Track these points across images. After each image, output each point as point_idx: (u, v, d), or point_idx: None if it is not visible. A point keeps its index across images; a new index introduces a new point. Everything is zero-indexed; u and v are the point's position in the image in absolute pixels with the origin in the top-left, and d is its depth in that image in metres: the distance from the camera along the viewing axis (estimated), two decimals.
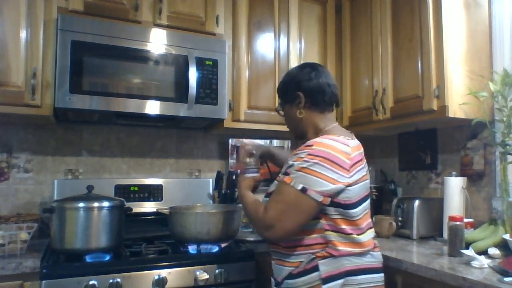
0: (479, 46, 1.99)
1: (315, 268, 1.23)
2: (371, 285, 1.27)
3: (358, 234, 1.27)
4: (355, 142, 1.32)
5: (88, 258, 1.65)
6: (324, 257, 1.24)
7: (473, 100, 1.88)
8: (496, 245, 1.64)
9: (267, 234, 1.24)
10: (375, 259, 1.32)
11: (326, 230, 1.25)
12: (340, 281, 1.22)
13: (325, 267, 1.23)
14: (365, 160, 1.33)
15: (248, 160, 1.50)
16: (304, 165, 1.20)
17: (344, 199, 1.23)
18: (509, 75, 1.82)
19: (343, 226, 1.25)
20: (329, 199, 1.21)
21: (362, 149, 1.33)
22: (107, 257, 1.68)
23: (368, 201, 1.34)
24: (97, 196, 1.74)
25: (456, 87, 1.88)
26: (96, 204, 1.67)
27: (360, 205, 1.28)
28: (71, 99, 1.82)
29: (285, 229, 1.22)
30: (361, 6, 2.41)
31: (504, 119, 1.81)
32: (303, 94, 1.38)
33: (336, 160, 1.21)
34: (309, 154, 1.21)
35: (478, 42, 1.98)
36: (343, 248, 1.25)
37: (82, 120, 2.24)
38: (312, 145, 1.23)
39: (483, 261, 1.45)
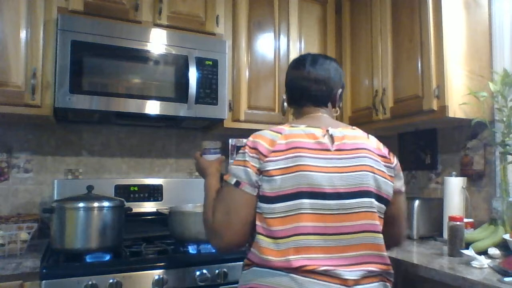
0: (479, 46, 1.99)
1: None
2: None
3: (273, 238, 1.04)
4: (297, 130, 1.14)
5: (88, 258, 1.65)
6: (249, 265, 1.13)
7: (473, 100, 1.88)
8: (496, 245, 1.63)
9: (208, 236, 1.20)
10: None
11: (258, 233, 1.07)
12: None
13: (243, 279, 1.15)
14: (307, 151, 1.10)
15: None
16: (237, 158, 1.14)
17: (268, 191, 1.06)
18: (509, 75, 1.82)
19: (272, 228, 1.05)
20: (256, 190, 1.08)
21: (308, 139, 1.12)
22: (107, 257, 1.68)
23: (314, 201, 1.06)
24: (97, 196, 1.74)
25: (456, 87, 1.88)
26: (96, 204, 1.67)
27: (285, 201, 1.05)
28: (71, 99, 1.82)
29: (230, 235, 1.13)
30: (361, 6, 2.41)
31: (504, 119, 1.81)
32: (286, 91, 1.37)
33: (258, 146, 1.10)
34: (243, 146, 1.15)
35: (478, 42, 1.98)
36: (264, 256, 1.05)
37: (82, 120, 2.24)
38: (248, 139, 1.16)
39: (483, 261, 1.45)
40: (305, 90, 1.28)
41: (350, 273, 1.04)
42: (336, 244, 1.06)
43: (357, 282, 1.04)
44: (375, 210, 1.12)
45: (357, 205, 1.09)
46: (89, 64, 1.87)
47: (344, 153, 1.13)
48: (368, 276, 1.08)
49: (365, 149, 1.17)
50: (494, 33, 2.02)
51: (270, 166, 1.07)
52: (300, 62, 1.31)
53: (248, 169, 1.09)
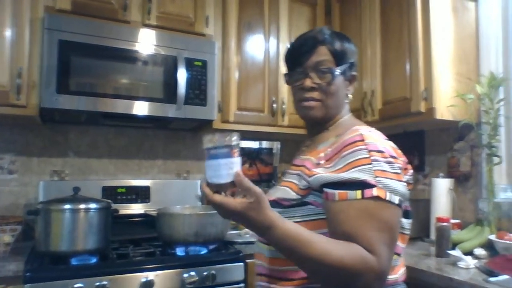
0: (467, 49, 2.01)
1: None
2: None
3: (399, 255, 0.95)
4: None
5: (74, 261, 1.63)
6: None
7: (460, 102, 1.90)
8: (482, 246, 1.65)
9: (377, 286, 0.81)
10: None
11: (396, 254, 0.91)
12: None
13: None
14: None
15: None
16: (379, 167, 0.84)
17: (407, 203, 0.94)
18: (496, 78, 1.84)
19: (398, 243, 0.92)
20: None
21: None
22: (94, 260, 1.66)
23: None
24: (83, 197, 1.72)
25: (443, 89, 1.90)
26: (82, 206, 1.65)
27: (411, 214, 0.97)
28: (58, 99, 1.79)
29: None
30: (351, 9, 2.42)
31: (491, 121, 1.83)
32: (356, 76, 1.08)
33: (393, 155, 0.90)
34: (372, 151, 0.86)
35: (465, 45, 2.01)
36: (393, 276, 0.92)
37: (68, 121, 2.21)
38: (362, 140, 0.88)
39: (470, 261, 1.47)
40: None
41: None
42: None
43: None
44: None
45: None
46: (77, 64, 1.85)
47: None
48: None
49: None
50: (481, 37, 2.04)
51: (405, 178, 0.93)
52: None
53: (401, 183, 0.88)
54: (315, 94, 1.01)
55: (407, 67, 1.98)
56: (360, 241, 0.79)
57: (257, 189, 0.77)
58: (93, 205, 1.67)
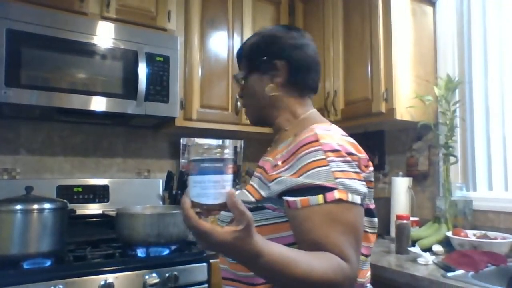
0: (425, 52, 2.08)
1: None
2: None
3: (366, 256, 0.93)
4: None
5: (26, 265, 1.53)
6: None
7: (419, 103, 1.96)
8: (439, 242, 1.71)
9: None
10: None
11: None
12: None
13: None
14: None
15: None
16: (338, 168, 0.82)
17: (370, 202, 0.93)
18: (452, 81, 1.91)
19: (364, 244, 0.89)
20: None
21: None
22: (48, 263, 1.57)
23: None
24: (36, 197, 1.62)
25: (403, 90, 1.95)
26: (35, 206, 1.55)
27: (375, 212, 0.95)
28: (7, 92, 1.68)
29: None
30: (314, 9, 2.44)
31: (447, 122, 1.91)
32: (285, 65, 0.99)
33: (350, 152, 0.87)
34: (327, 151, 0.83)
35: (424, 48, 2.07)
36: (360, 279, 0.91)
37: (20, 116, 2.09)
38: (316, 140, 0.84)
39: (428, 257, 1.51)
40: (319, 72, 1.06)
41: None
42: None
43: None
44: None
45: None
46: (28, 56, 1.74)
47: None
48: None
49: None
50: (438, 40, 2.12)
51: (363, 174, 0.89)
52: (305, 35, 1.05)
53: (360, 181, 0.85)
54: (241, 102, 1.09)
55: (369, 68, 2.02)
56: (331, 249, 0.77)
57: (249, 213, 0.68)
58: (47, 205, 1.58)
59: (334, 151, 0.83)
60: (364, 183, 0.86)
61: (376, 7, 1.99)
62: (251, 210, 0.79)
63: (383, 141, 2.41)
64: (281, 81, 1.00)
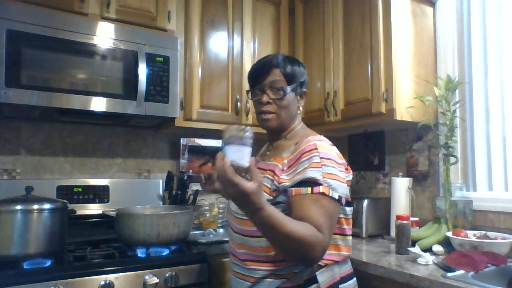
0: (425, 53, 2.08)
1: (313, 280, 1.14)
2: None
3: (351, 235, 1.24)
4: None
5: (26, 265, 1.53)
6: (320, 266, 1.15)
7: (419, 104, 1.96)
8: (439, 242, 1.71)
9: (322, 256, 1.07)
10: (350, 263, 1.30)
11: (335, 233, 1.17)
12: None
13: (322, 278, 1.14)
14: None
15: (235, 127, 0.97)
16: (327, 171, 1.10)
17: (347, 196, 1.19)
18: (452, 81, 1.91)
19: (344, 226, 1.21)
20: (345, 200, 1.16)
21: None
22: (48, 263, 1.57)
23: None
24: (37, 197, 1.62)
25: (403, 91, 1.95)
26: (35, 207, 1.56)
27: (352, 203, 1.26)
28: (7, 93, 1.68)
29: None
30: (314, 10, 2.44)
31: (447, 122, 1.90)
32: (305, 92, 1.34)
33: (339, 161, 1.16)
34: (323, 158, 1.11)
35: (424, 49, 2.07)
36: (345, 252, 1.21)
37: (20, 116, 2.08)
38: (315, 149, 1.13)
39: (428, 258, 1.51)
40: None
41: None
42: None
43: None
44: None
45: None
46: (28, 56, 1.74)
47: None
48: None
49: None
50: (438, 41, 2.12)
51: (347, 178, 1.21)
52: None
53: (343, 183, 1.15)
54: (270, 108, 1.26)
55: (369, 68, 2.02)
56: (311, 222, 1.02)
57: (260, 176, 0.96)
58: (47, 206, 1.58)
59: (328, 158, 1.13)
60: (345, 184, 1.15)
61: (376, 7, 1.99)
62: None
63: (383, 141, 2.41)
64: (302, 104, 1.33)
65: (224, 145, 0.95)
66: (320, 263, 1.13)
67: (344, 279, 1.19)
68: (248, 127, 0.97)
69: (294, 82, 1.27)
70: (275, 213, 0.98)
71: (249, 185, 0.92)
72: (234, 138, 0.95)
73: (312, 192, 1.07)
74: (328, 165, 1.11)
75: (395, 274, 1.43)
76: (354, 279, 1.26)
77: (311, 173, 1.09)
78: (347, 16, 2.19)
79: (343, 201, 1.13)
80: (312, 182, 1.08)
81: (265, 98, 1.25)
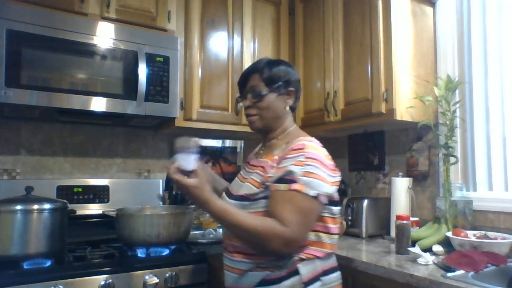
0: (425, 53, 2.08)
1: (295, 272, 1.18)
2: (338, 282, 1.29)
3: (337, 234, 1.28)
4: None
5: (25, 265, 1.53)
6: (302, 259, 1.20)
7: (419, 104, 1.96)
8: (439, 242, 1.71)
9: (286, 250, 1.13)
10: (335, 258, 1.34)
11: (317, 231, 1.22)
12: (319, 283, 1.20)
13: (305, 270, 1.19)
14: None
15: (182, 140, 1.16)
16: (308, 170, 1.15)
17: (333, 196, 1.24)
18: (452, 81, 1.91)
19: (330, 225, 1.24)
20: (327, 200, 1.20)
21: None
22: (48, 263, 1.57)
23: None
24: (37, 197, 1.62)
25: (403, 91, 1.95)
26: (35, 207, 1.56)
27: (339, 204, 1.30)
28: (7, 93, 1.68)
29: (303, 241, 1.17)
30: (314, 10, 2.44)
31: (447, 122, 1.90)
32: (294, 93, 1.36)
33: (326, 162, 1.20)
34: (308, 158, 1.16)
35: (423, 49, 2.07)
36: (328, 250, 1.24)
37: (20, 116, 2.09)
38: (303, 148, 1.19)
39: (428, 258, 1.51)
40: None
41: None
42: None
43: None
44: None
45: None
46: (28, 56, 1.74)
47: None
48: None
49: None
50: (438, 41, 2.12)
51: (335, 179, 1.24)
52: (292, 66, 1.44)
53: (324, 183, 1.18)
54: (252, 111, 1.33)
55: (369, 68, 2.02)
56: (276, 216, 1.11)
57: (202, 175, 1.12)
58: (47, 206, 1.58)
59: (313, 158, 1.17)
60: (329, 184, 1.18)
61: (376, 7, 1.99)
62: (257, 199, 1.21)
63: (383, 141, 2.41)
64: (290, 103, 1.36)
65: (175, 153, 1.14)
66: (302, 256, 1.19)
67: (326, 272, 1.24)
68: (196, 139, 1.15)
69: (275, 83, 1.32)
70: (224, 206, 1.12)
71: (189, 180, 1.09)
72: (182, 148, 1.14)
73: (289, 189, 1.13)
74: (311, 164, 1.16)
75: (395, 274, 1.43)
76: (338, 272, 1.30)
77: (292, 170, 1.15)
78: (347, 16, 2.19)
79: (323, 199, 1.16)
80: (289, 180, 1.14)
81: (246, 103, 1.35)
